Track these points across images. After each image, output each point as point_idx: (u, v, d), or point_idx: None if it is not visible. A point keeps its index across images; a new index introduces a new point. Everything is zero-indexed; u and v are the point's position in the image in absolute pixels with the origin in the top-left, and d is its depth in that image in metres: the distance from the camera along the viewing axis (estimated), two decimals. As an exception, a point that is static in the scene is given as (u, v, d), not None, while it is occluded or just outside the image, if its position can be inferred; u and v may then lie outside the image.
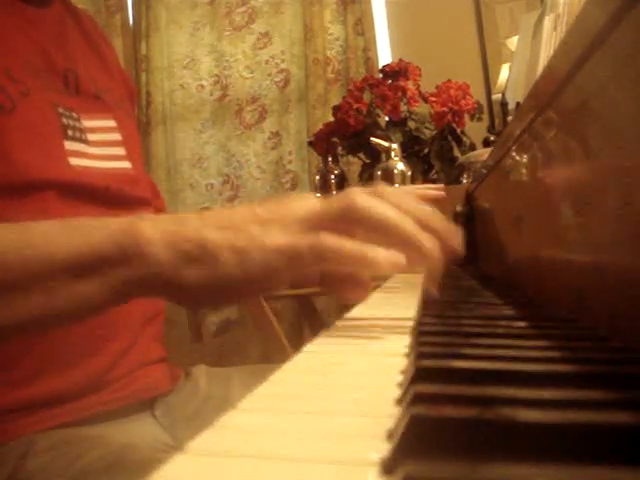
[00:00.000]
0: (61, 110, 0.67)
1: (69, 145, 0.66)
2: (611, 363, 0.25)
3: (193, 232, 0.38)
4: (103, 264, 0.38)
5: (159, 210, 0.88)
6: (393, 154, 1.36)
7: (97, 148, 0.70)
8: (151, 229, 0.38)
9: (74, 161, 0.66)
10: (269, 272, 0.37)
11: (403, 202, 0.40)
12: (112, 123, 0.75)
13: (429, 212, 0.40)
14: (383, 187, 0.41)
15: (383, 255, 0.36)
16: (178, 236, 0.38)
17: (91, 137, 0.70)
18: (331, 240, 0.37)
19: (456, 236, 0.41)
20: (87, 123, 0.70)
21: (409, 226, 0.38)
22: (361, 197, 0.38)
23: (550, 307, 0.45)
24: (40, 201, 0.61)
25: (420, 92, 1.56)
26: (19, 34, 0.67)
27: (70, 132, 0.67)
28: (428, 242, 0.38)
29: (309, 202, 0.40)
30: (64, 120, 0.66)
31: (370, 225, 0.38)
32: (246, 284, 0.38)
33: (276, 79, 2.24)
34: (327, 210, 0.39)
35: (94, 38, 0.81)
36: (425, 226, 0.39)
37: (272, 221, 0.38)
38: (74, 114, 0.68)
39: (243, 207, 0.40)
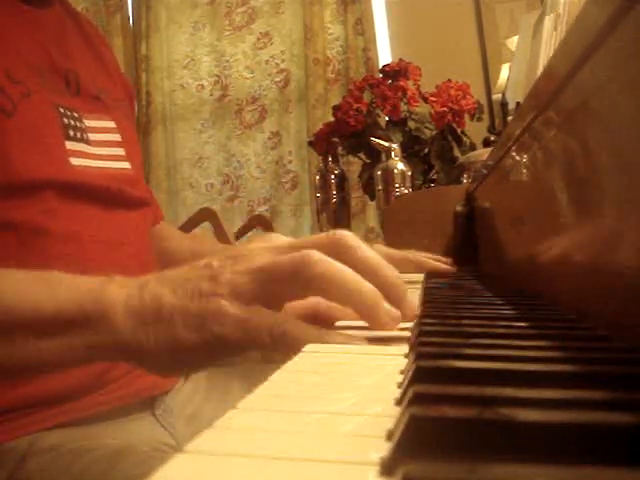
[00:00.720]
0: (62, 110, 0.67)
1: (70, 145, 0.66)
2: (611, 363, 0.25)
3: (150, 296, 0.38)
4: (67, 326, 0.38)
5: (156, 217, 0.88)
6: (393, 154, 1.35)
7: (98, 148, 0.70)
8: (116, 294, 0.38)
9: (75, 161, 0.66)
10: (224, 341, 0.36)
11: (365, 259, 0.38)
12: (112, 124, 0.75)
13: (394, 279, 0.39)
14: (349, 237, 0.39)
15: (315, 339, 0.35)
16: (137, 302, 0.38)
17: (92, 137, 0.70)
18: (291, 326, 0.36)
19: (413, 308, 0.39)
20: (88, 123, 0.70)
21: (369, 295, 0.36)
22: (318, 255, 0.36)
23: (550, 307, 0.45)
24: (41, 201, 0.61)
25: (420, 92, 1.56)
26: (20, 34, 0.67)
27: (71, 132, 0.67)
28: (385, 316, 0.36)
29: (265, 254, 0.38)
30: (65, 120, 0.67)
31: (324, 287, 0.36)
32: (200, 349, 0.37)
33: (276, 79, 2.24)
34: (280, 267, 0.37)
35: (93, 40, 0.82)
36: (386, 293, 0.37)
37: (225, 274, 0.37)
38: (75, 114, 0.68)
39: (204, 261, 0.39)
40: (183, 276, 0.38)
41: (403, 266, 0.72)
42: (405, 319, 0.39)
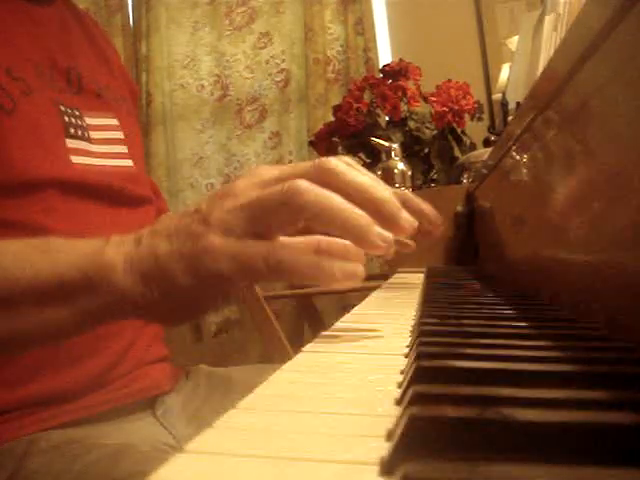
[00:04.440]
0: (63, 108, 0.67)
1: (71, 143, 0.66)
2: (611, 363, 0.25)
3: (146, 250, 0.38)
4: (69, 292, 0.39)
5: (161, 211, 0.88)
6: (393, 154, 1.35)
7: (99, 146, 0.70)
8: (114, 255, 0.38)
9: (76, 159, 0.66)
10: (221, 278, 0.36)
11: (353, 182, 0.37)
12: (114, 121, 0.75)
13: (385, 196, 0.38)
14: (334, 162, 0.38)
15: (339, 269, 0.35)
16: (135, 257, 0.38)
17: (94, 135, 0.70)
18: (286, 253, 0.36)
19: (410, 222, 0.38)
20: (90, 121, 0.70)
21: (359, 220, 0.36)
22: (306, 184, 0.35)
23: (550, 307, 0.45)
24: (42, 199, 0.61)
25: (420, 92, 1.56)
26: (22, 32, 0.67)
27: (72, 130, 0.67)
28: (376, 238, 0.36)
29: (253, 190, 0.38)
30: (66, 118, 0.66)
31: (314, 215, 0.36)
32: (202, 291, 0.38)
33: (276, 79, 2.24)
34: (268, 200, 0.36)
35: (96, 37, 0.82)
36: (379, 211, 0.37)
37: (214, 213, 0.37)
38: (76, 112, 0.68)
39: (193, 206, 0.39)
40: (175, 224, 0.38)
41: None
42: (403, 233, 0.38)
